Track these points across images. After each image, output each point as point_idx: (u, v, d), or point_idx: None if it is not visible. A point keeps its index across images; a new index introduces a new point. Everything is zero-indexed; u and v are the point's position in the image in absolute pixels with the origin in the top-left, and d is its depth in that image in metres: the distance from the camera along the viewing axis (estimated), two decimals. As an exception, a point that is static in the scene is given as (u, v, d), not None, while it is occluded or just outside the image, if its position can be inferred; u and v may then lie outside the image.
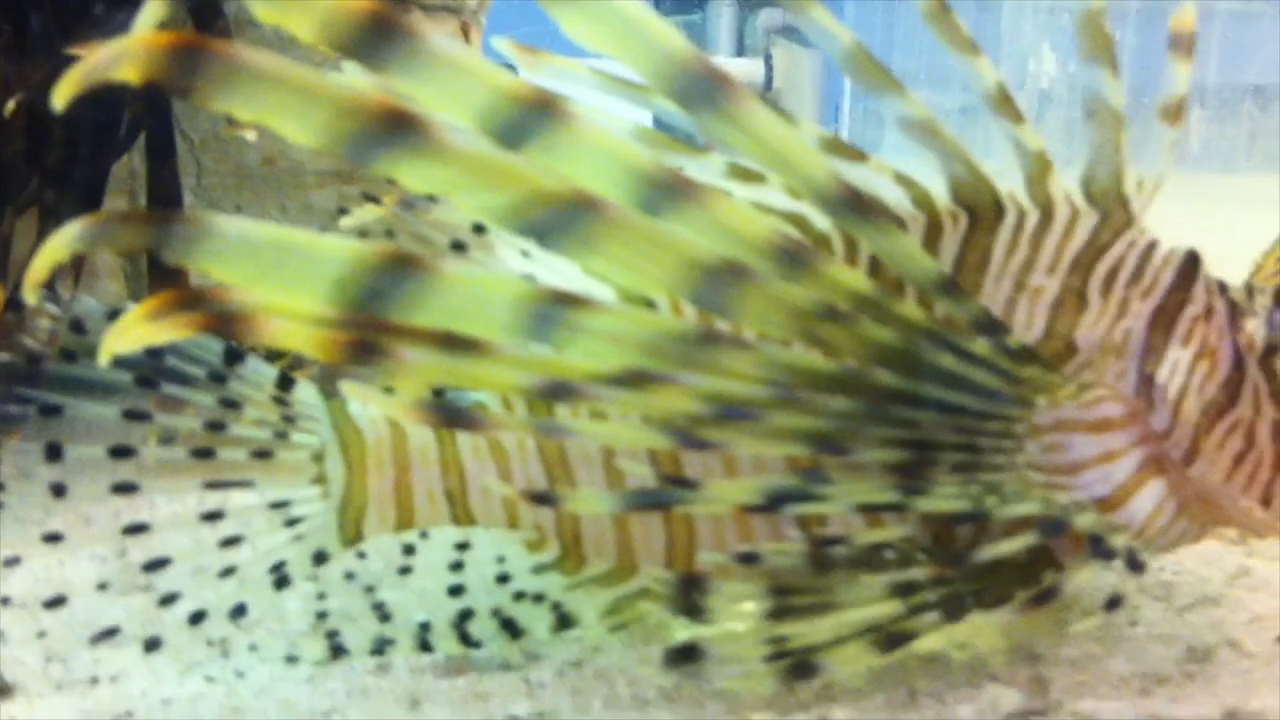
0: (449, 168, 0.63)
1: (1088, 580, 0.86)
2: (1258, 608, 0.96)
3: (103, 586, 0.84)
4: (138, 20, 0.67)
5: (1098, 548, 0.79)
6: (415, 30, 0.62)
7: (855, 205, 0.74)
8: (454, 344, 0.69)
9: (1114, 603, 0.80)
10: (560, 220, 0.66)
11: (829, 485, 0.77)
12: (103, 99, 0.63)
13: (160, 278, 1.26)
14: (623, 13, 0.65)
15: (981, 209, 0.87)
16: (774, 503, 0.76)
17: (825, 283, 0.73)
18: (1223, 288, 0.86)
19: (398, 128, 0.61)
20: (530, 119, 0.64)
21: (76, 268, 1.28)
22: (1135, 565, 0.80)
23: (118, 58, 0.58)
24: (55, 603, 0.83)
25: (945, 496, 0.78)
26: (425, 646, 0.87)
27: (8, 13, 1.19)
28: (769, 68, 5.52)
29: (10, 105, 1.15)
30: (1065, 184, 0.87)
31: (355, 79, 0.69)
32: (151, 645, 0.84)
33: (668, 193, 0.68)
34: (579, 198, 0.66)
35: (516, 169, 0.65)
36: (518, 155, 0.65)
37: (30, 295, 0.63)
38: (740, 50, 5.95)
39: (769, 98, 5.36)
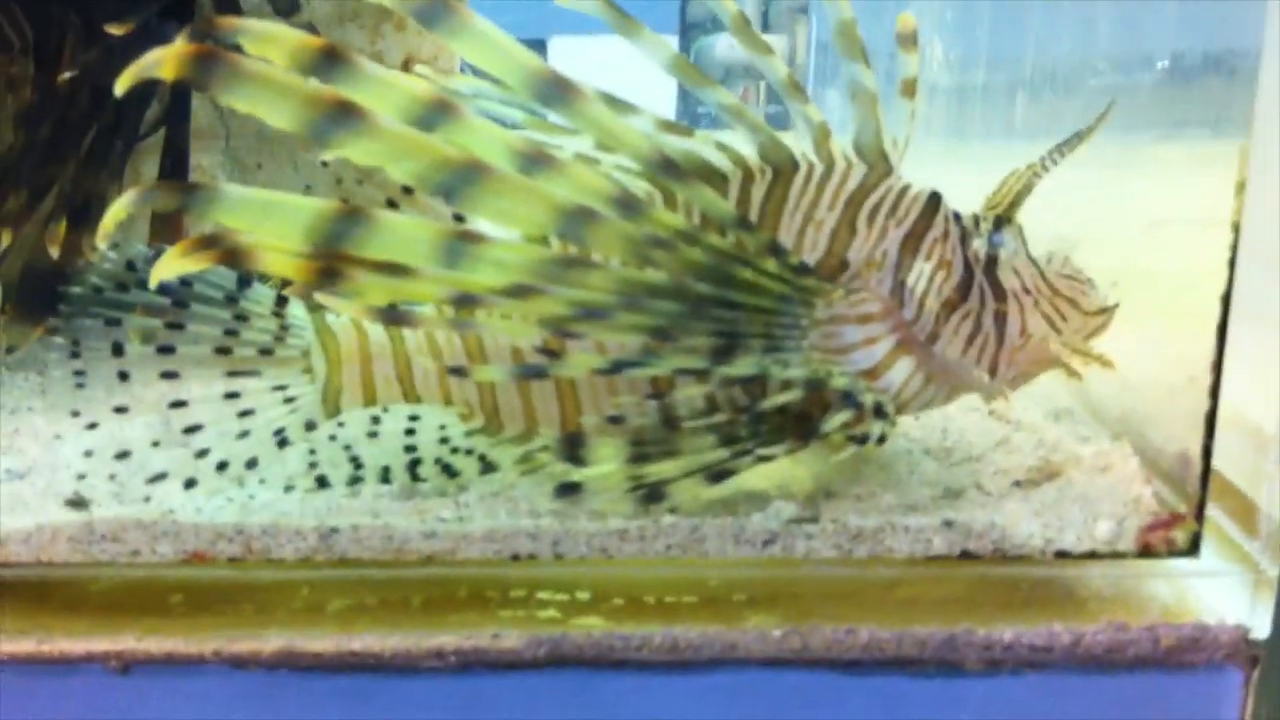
0: (380, 142, 0.90)
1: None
2: (1007, 464, 1.24)
3: (155, 444, 1.12)
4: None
5: (848, 400, 1.10)
6: (355, 58, 0.92)
7: (670, 168, 1.03)
8: (393, 269, 0.96)
9: (862, 439, 1.10)
10: (458, 181, 0.92)
11: (656, 357, 1.06)
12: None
13: (161, 223, 1.56)
14: (496, 40, 0.94)
15: (781, 165, 1.17)
16: (616, 368, 1.05)
17: (652, 221, 1.01)
18: (957, 217, 1.15)
19: (346, 115, 0.89)
20: (435, 114, 0.93)
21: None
22: (881, 414, 1.11)
23: (160, 60, 0.86)
24: (122, 455, 1.12)
25: (741, 365, 1.08)
26: (386, 480, 1.16)
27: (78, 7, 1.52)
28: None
29: (64, 77, 1.47)
30: (841, 146, 1.16)
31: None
32: (190, 484, 1.12)
33: (534, 161, 0.96)
34: (472, 162, 0.93)
35: (427, 144, 0.92)
36: (428, 135, 0.93)
37: (101, 242, 0.93)
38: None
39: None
